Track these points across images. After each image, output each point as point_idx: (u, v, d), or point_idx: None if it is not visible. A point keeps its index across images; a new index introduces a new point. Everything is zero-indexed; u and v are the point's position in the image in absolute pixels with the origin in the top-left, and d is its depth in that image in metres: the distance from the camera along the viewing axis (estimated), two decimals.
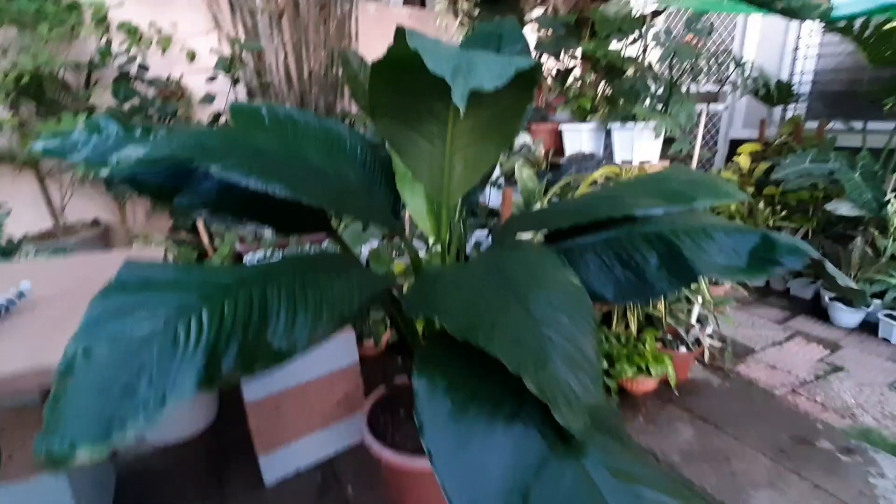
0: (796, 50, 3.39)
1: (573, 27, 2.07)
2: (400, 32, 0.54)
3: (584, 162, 1.91)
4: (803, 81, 3.35)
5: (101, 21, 2.49)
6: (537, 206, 1.82)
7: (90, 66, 2.51)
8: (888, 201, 2.45)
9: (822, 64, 3.31)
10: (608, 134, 1.98)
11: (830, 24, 2.52)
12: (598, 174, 1.58)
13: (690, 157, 1.92)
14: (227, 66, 2.54)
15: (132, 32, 2.58)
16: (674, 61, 1.71)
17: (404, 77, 0.68)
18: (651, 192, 0.82)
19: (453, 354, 0.53)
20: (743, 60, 2.06)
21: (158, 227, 2.97)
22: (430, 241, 1.05)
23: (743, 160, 3.03)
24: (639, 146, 1.86)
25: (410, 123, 0.78)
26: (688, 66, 1.75)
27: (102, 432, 0.40)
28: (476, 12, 2.24)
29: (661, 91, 1.98)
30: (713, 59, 1.80)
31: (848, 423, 1.64)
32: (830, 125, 3.11)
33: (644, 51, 2.01)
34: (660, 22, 2.17)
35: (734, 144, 3.82)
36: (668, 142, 1.95)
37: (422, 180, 0.89)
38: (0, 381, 0.76)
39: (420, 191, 0.99)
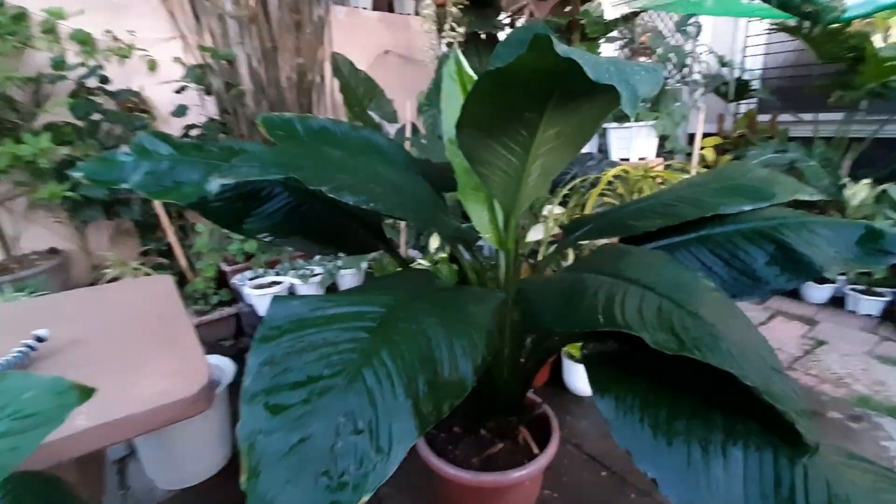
0: (745, 48, 3.63)
1: (565, 30, 2.13)
2: (541, 40, 0.52)
3: (585, 161, 1.96)
4: (753, 77, 3.59)
5: (50, 31, 2.28)
6: (547, 208, 1.83)
7: (39, 81, 2.28)
8: (844, 185, 2.67)
9: (769, 61, 3.57)
10: (603, 133, 2.03)
11: (781, 23, 2.72)
12: (612, 173, 1.62)
13: (685, 154, 2.00)
14: (199, 76, 2.39)
15: (86, 42, 2.38)
16: (667, 62, 1.80)
17: (510, 87, 0.66)
18: (724, 191, 0.84)
19: (627, 369, 0.52)
20: (727, 59, 2.19)
21: (125, 251, 2.75)
22: (492, 247, 1.02)
23: (708, 153, 3.21)
24: (636, 145, 1.93)
25: (496, 134, 0.76)
26: (679, 66, 1.83)
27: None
28: (461, 18, 2.24)
29: None
30: (695, 59, 1.90)
31: (845, 392, 1.76)
32: (780, 118, 3.36)
33: (633, 53, 2.09)
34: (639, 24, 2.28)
35: (692, 139, 4.05)
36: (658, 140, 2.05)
37: (493, 190, 0.87)
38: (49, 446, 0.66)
39: (482, 199, 0.96)
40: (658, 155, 2.10)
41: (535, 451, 1.05)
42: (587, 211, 1.75)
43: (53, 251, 2.60)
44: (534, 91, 0.66)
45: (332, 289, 2.31)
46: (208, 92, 2.51)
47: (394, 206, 0.65)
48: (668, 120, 1.81)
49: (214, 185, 0.54)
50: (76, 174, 0.70)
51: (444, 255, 2.05)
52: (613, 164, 2.07)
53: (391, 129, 2.40)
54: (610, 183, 1.86)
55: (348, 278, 2.27)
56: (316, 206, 0.85)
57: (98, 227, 2.70)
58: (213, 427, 1.45)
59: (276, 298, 0.47)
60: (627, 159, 2.05)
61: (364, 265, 2.26)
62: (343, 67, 2.07)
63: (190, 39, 2.74)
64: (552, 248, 1.69)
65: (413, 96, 2.91)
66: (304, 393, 0.40)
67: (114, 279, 2.39)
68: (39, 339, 0.92)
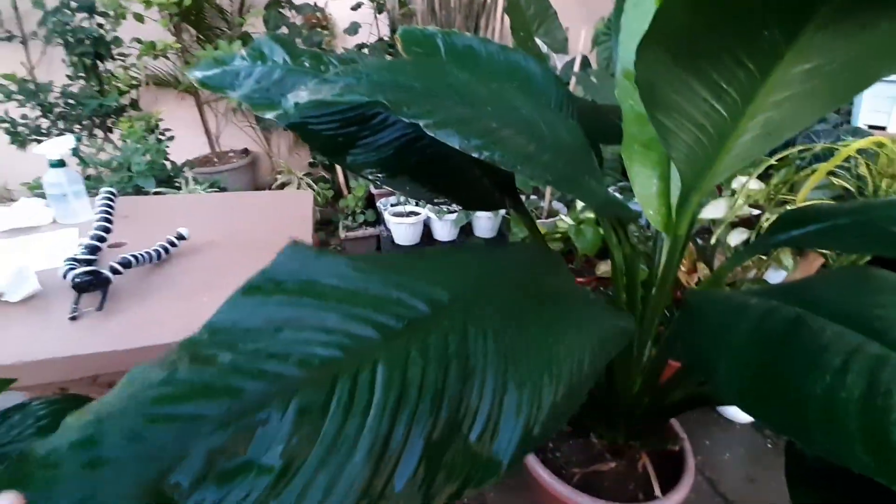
0: None
1: None
2: None
3: (809, 126, 1.43)
4: None
5: None
6: (738, 179, 1.41)
7: None
8: None
9: None
10: None
11: None
12: (858, 146, 1.13)
13: None
14: None
15: None
16: None
17: None
18: None
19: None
20: None
21: (299, 160, 3.01)
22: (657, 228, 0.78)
23: None
24: None
25: (700, 64, 0.50)
26: None
27: None
28: None
29: None
30: None
31: None
32: None
33: None
34: None
35: None
36: None
37: (674, 151, 0.61)
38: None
39: (654, 162, 0.71)
40: None
41: (657, 492, 0.83)
42: (801, 194, 1.28)
43: (245, 152, 2.96)
44: None
45: (465, 229, 2.22)
46: (380, 9, 2.46)
47: (518, 157, 0.47)
48: None
49: (289, 102, 0.43)
50: (192, 75, 0.66)
51: (590, 215, 1.77)
52: (858, 133, 1.49)
53: (559, 62, 2.09)
54: (846, 160, 1.33)
55: (484, 221, 2.15)
56: (436, 143, 0.70)
57: (280, 134, 2.97)
58: None
59: (294, 243, 0.34)
60: (883, 128, 1.44)
61: (502, 210, 2.10)
62: None
63: None
64: (732, 235, 1.30)
65: (593, 24, 2.48)
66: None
67: (282, 185, 2.65)
68: (181, 237, 0.98)
